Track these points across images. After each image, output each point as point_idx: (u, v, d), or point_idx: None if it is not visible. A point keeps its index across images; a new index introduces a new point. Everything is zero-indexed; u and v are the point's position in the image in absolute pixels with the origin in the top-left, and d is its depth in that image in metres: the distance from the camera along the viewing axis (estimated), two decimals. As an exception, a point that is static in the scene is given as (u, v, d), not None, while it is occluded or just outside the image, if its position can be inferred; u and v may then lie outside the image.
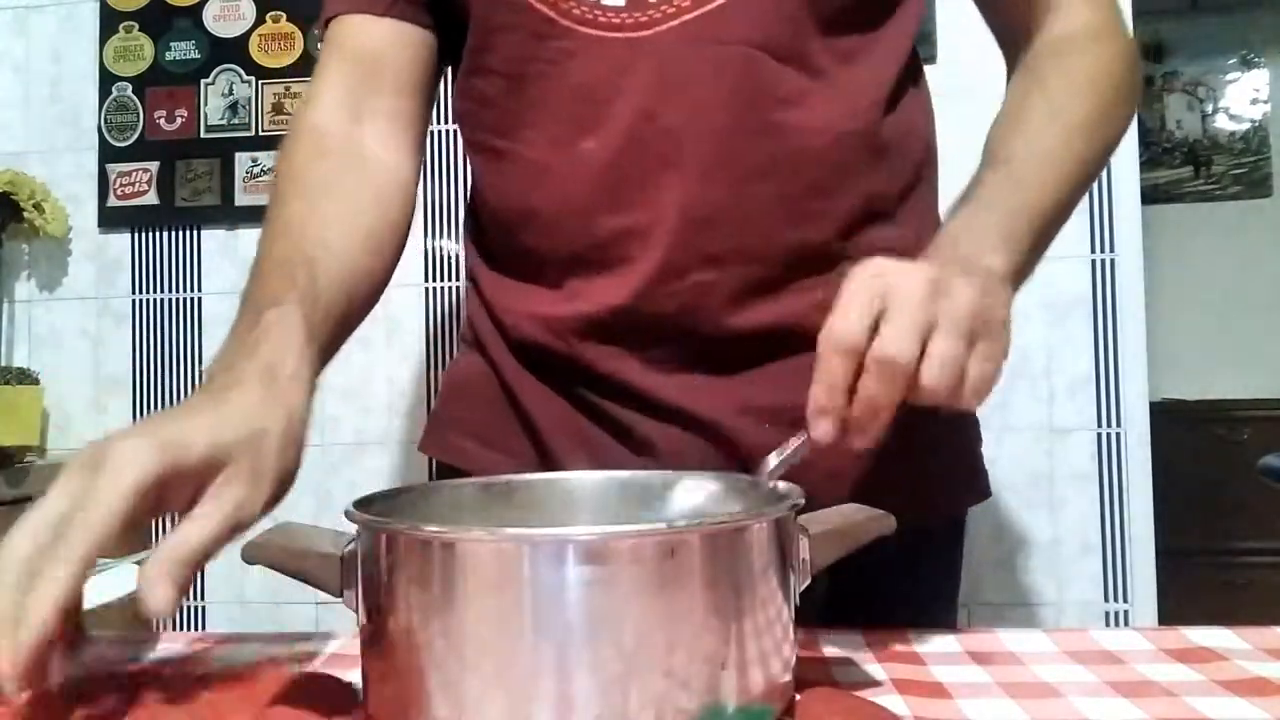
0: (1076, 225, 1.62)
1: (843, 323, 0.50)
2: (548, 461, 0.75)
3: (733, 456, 0.71)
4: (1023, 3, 0.73)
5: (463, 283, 1.40)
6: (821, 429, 0.51)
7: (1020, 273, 0.60)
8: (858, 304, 0.51)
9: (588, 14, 0.68)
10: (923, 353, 0.50)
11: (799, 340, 0.62)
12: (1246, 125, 3.35)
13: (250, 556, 0.49)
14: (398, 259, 0.75)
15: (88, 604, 0.46)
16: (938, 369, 0.50)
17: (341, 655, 0.62)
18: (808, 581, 0.50)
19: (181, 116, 1.86)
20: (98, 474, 0.44)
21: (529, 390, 0.76)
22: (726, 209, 0.68)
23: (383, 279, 0.73)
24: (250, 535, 0.49)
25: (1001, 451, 1.64)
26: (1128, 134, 0.74)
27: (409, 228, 0.77)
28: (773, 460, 0.55)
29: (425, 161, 0.82)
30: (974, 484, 0.81)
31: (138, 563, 0.44)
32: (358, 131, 0.74)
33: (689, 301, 0.70)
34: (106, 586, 0.61)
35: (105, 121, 1.87)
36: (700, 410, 0.71)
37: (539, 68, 0.70)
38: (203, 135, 1.85)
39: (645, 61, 0.67)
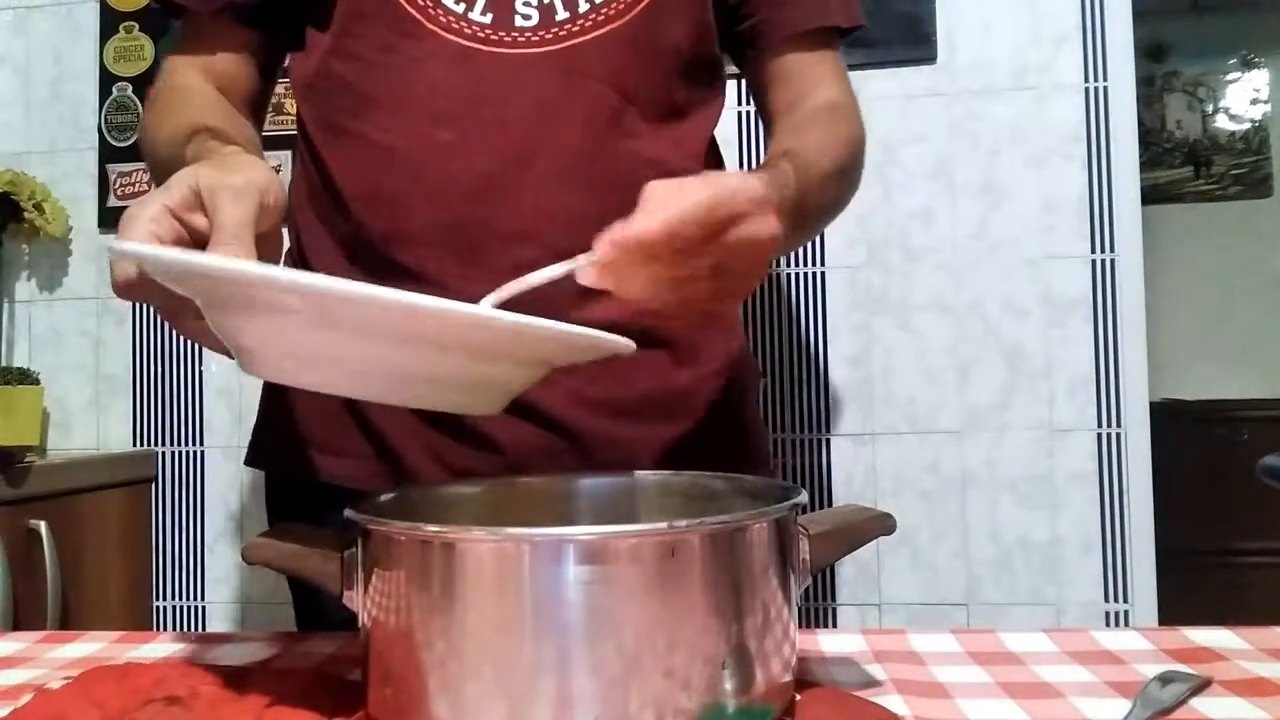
0: (1076, 225, 1.62)
1: (697, 229, 0.55)
2: (392, 464, 0.77)
3: (578, 451, 0.74)
4: (791, 91, 0.84)
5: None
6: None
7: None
8: (708, 224, 0.55)
9: (454, 23, 0.75)
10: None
11: (630, 336, 0.66)
12: (1246, 125, 3.35)
13: (250, 556, 0.50)
14: None
15: None
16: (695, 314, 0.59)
17: (341, 655, 0.62)
18: (808, 582, 0.51)
19: (181, 116, 1.85)
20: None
21: None
22: (575, 213, 0.73)
23: None
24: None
25: (1001, 451, 1.64)
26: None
27: None
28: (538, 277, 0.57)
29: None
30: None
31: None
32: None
33: (538, 295, 0.71)
34: None
35: (105, 121, 1.87)
36: (546, 405, 0.74)
37: (398, 60, 0.75)
38: (203, 135, 1.85)
39: (508, 77, 0.74)
